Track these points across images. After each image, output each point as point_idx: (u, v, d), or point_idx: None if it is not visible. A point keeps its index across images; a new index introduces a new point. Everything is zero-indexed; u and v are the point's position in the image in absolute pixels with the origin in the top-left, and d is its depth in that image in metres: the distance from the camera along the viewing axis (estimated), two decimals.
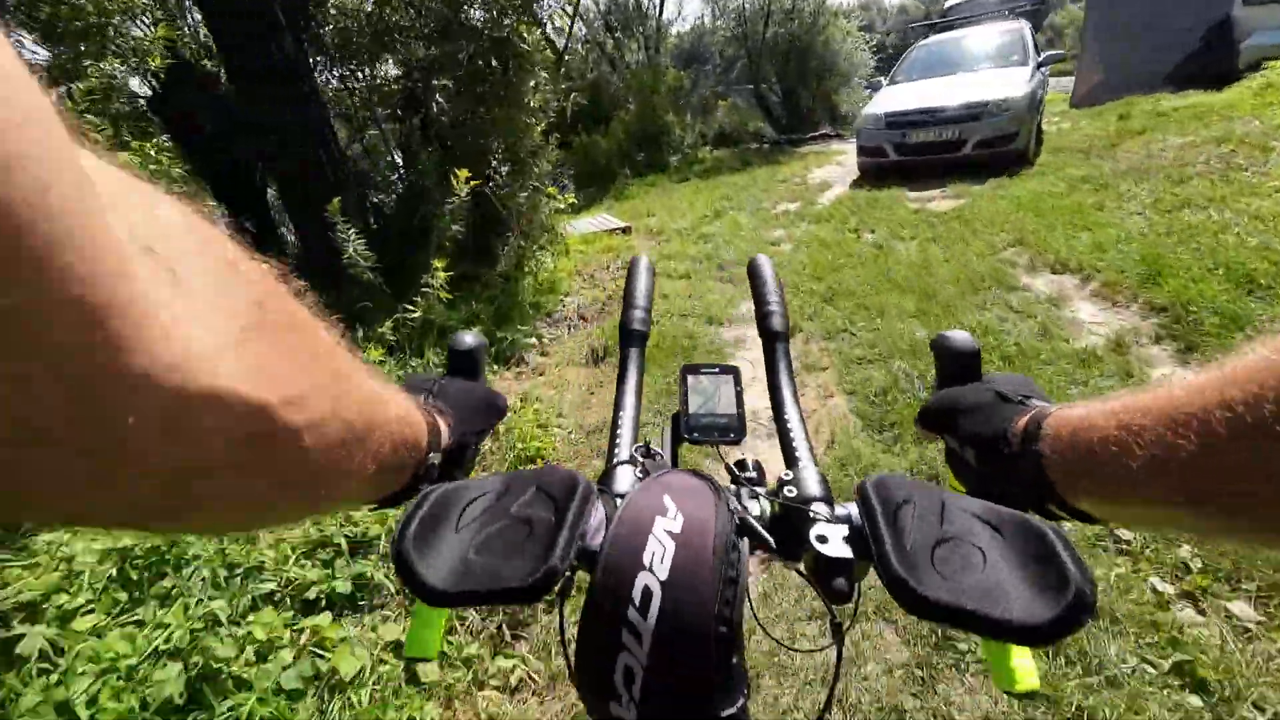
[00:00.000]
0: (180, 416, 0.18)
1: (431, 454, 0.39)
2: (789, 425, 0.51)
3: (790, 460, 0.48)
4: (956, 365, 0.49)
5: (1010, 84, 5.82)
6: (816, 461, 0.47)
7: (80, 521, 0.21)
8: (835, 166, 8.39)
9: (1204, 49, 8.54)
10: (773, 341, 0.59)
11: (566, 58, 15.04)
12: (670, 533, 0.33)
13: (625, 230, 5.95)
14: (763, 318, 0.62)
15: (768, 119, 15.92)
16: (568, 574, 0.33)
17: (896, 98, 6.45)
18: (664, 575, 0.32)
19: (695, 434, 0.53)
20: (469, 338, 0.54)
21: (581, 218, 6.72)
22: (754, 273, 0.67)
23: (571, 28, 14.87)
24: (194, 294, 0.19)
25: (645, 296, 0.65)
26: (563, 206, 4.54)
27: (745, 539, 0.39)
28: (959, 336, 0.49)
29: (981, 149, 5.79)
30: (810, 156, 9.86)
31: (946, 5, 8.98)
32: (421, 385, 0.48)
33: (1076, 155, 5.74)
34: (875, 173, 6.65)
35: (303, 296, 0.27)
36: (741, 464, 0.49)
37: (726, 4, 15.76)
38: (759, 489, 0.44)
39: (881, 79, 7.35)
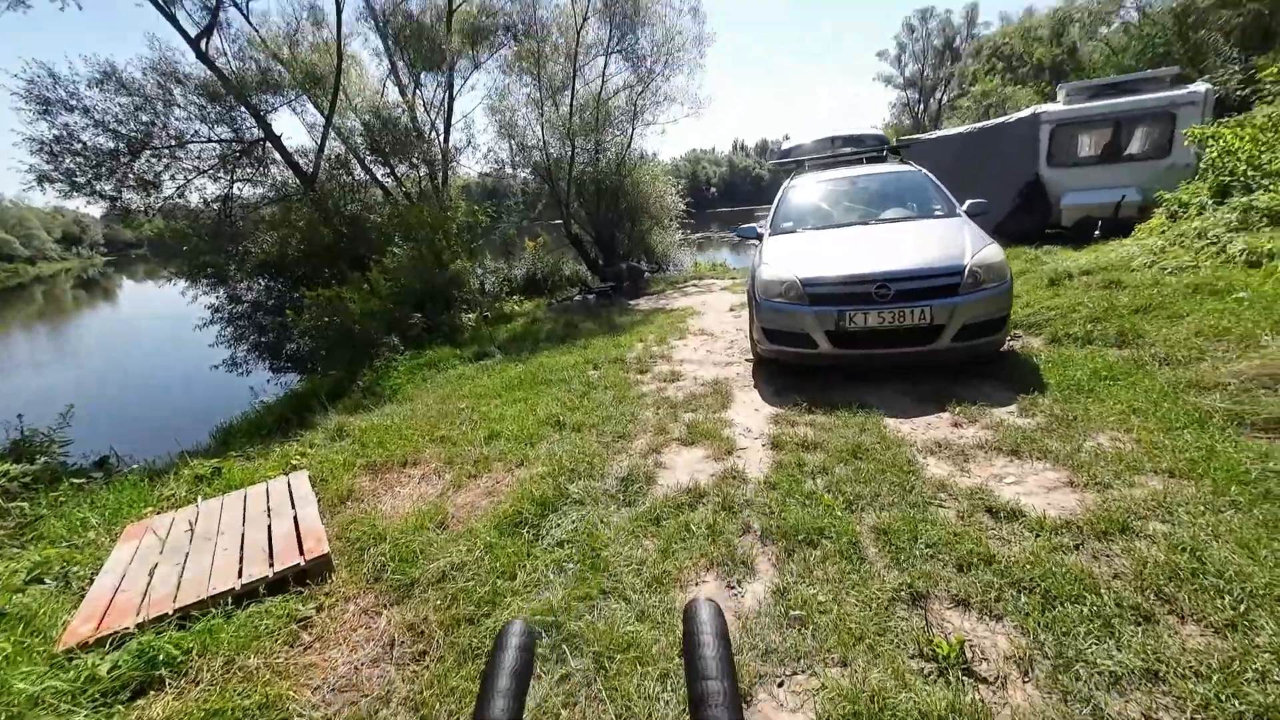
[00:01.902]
0: None
1: None
2: None
3: None
4: None
5: (971, 240, 3.89)
6: None
7: None
8: (702, 340, 5.91)
9: (1023, 206, 8.42)
10: None
11: (320, 181, 11.52)
12: None
13: (302, 576, 2.35)
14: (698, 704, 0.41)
15: (583, 260, 13.95)
16: None
17: (804, 256, 4.19)
18: None
19: None
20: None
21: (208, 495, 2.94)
22: (690, 624, 0.49)
23: (323, 143, 11.53)
24: None
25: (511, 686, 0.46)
26: None
27: None
28: None
29: (966, 340, 3.60)
30: (659, 317, 7.41)
31: (783, 148, 7.59)
32: None
33: (1083, 343, 3.88)
34: (796, 369, 4.14)
35: None
36: None
37: (525, 140, 14.01)
38: None
39: (758, 227, 5.20)
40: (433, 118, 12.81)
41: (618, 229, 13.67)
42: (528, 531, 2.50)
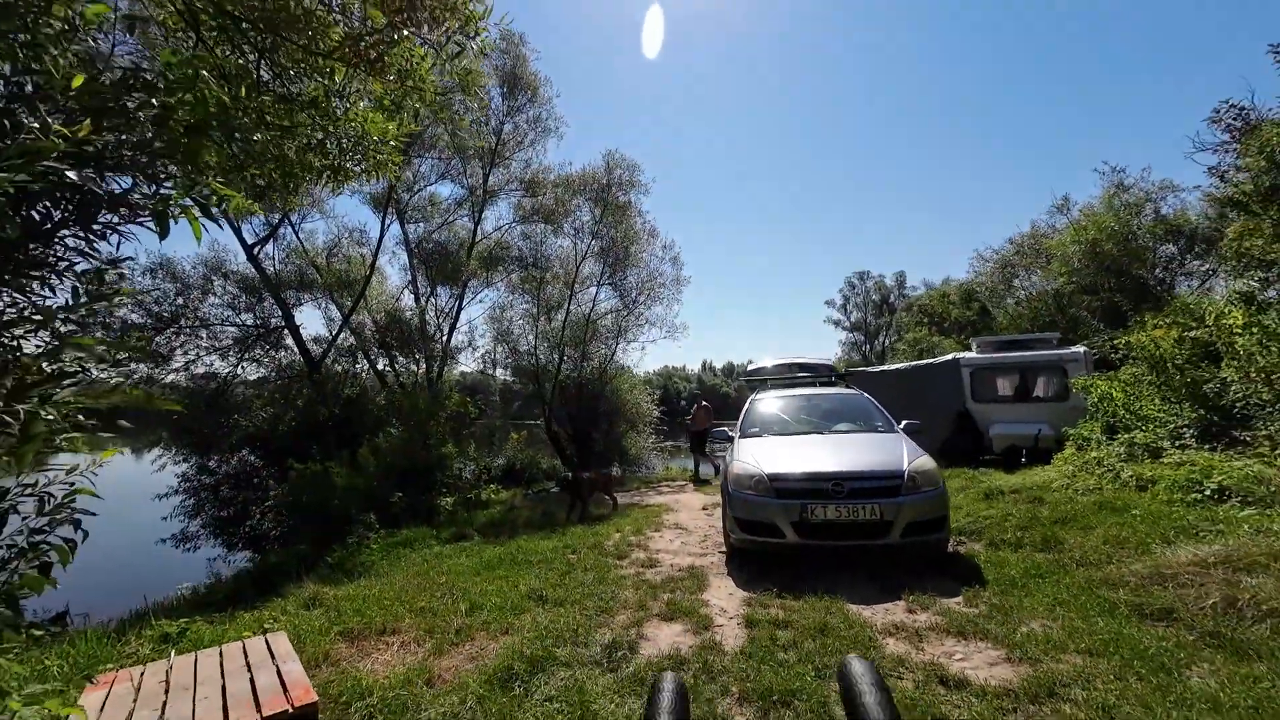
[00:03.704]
0: None
1: None
2: None
3: None
4: None
5: (908, 451, 4.64)
6: None
7: None
8: (677, 533, 6.20)
9: (959, 431, 9.57)
10: None
11: (326, 365, 12.40)
12: None
13: None
14: None
15: (560, 457, 14.45)
16: None
17: (770, 456, 4.85)
18: None
19: None
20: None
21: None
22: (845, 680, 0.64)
23: (337, 336, 12.70)
24: None
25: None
26: None
27: None
28: None
29: (913, 535, 4.10)
30: (634, 511, 7.71)
31: (750, 368, 8.86)
32: None
33: (1015, 548, 4.38)
34: (761, 555, 4.48)
35: None
36: None
37: (518, 345, 15.62)
38: None
39: (729, 431, 5.97)
40: (439, 321, 14.44)
41: (595, 429, 14.50)
42: (519, 687, 2.60)
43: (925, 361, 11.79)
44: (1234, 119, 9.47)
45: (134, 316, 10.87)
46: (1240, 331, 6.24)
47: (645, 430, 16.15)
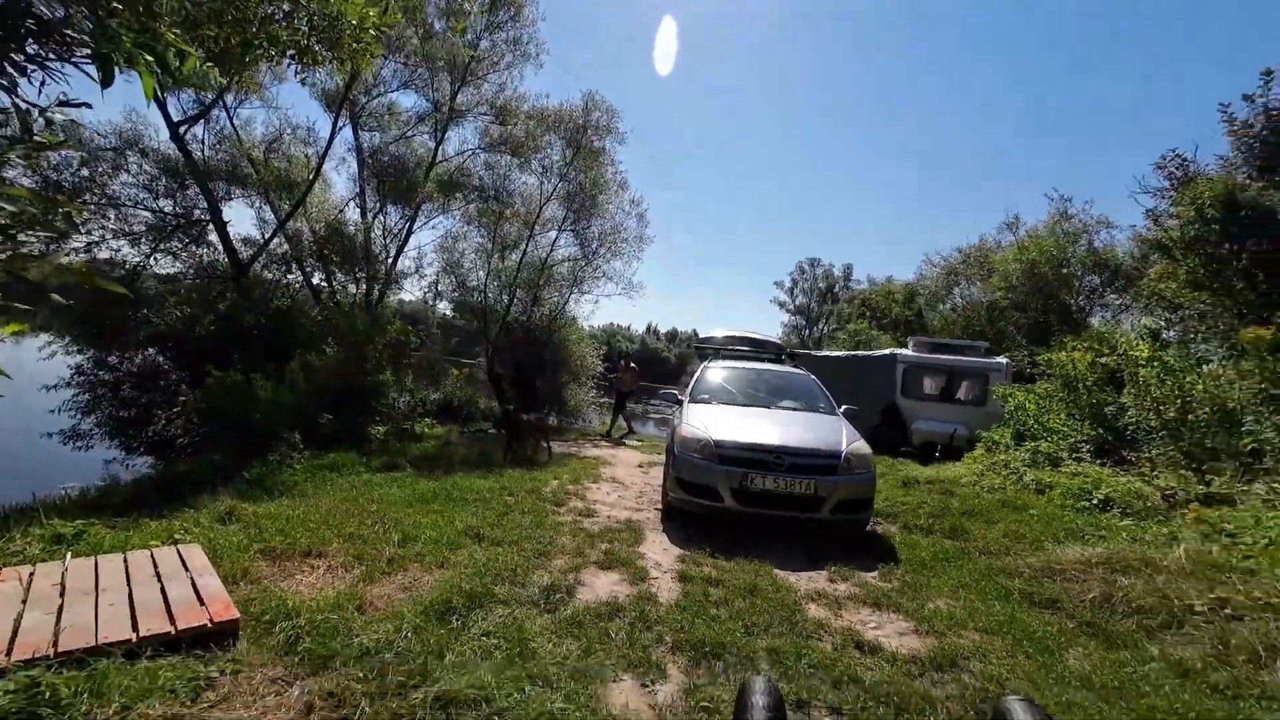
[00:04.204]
0: None
1: None
2: None
3: None
4: None
5: (847, 434, 4.86)
6: None
7: None
8: (614, 486, 6.29)
9: (884, 424, 10.15)
10: None
11: (255, 270, 11.42)
12: None
13: (204, 640, 2.25)
14: None
15: (499, 399, 14.23)
16: None
17: (717, 422, 4.95)
18: None
19: None
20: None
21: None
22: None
23: (270, 240, 11.70)
24: None
25: None
26: None
27: None
28: None
29: (841, 513, 4.35)
30: (571, 461, 7.74)
31: (702, 335, 8.95)
32: None
33: (926, 533, 4.74)
34: (697, 517, 4.62)
35: None
36: None
37: (467, 281, 15.02)
38: None
39: (679, 395, 6.05)
40: (386, 241, 13.59)
41: (538, 377, 14.33)
42: (456, 620, 2.59)
43: (865, 353, 12.35)
44: (1176, 168, 10.18)
45: (25, 180, 9.53)
46: (1144, 363, 6.88)
47: (587, 384, 16.12)
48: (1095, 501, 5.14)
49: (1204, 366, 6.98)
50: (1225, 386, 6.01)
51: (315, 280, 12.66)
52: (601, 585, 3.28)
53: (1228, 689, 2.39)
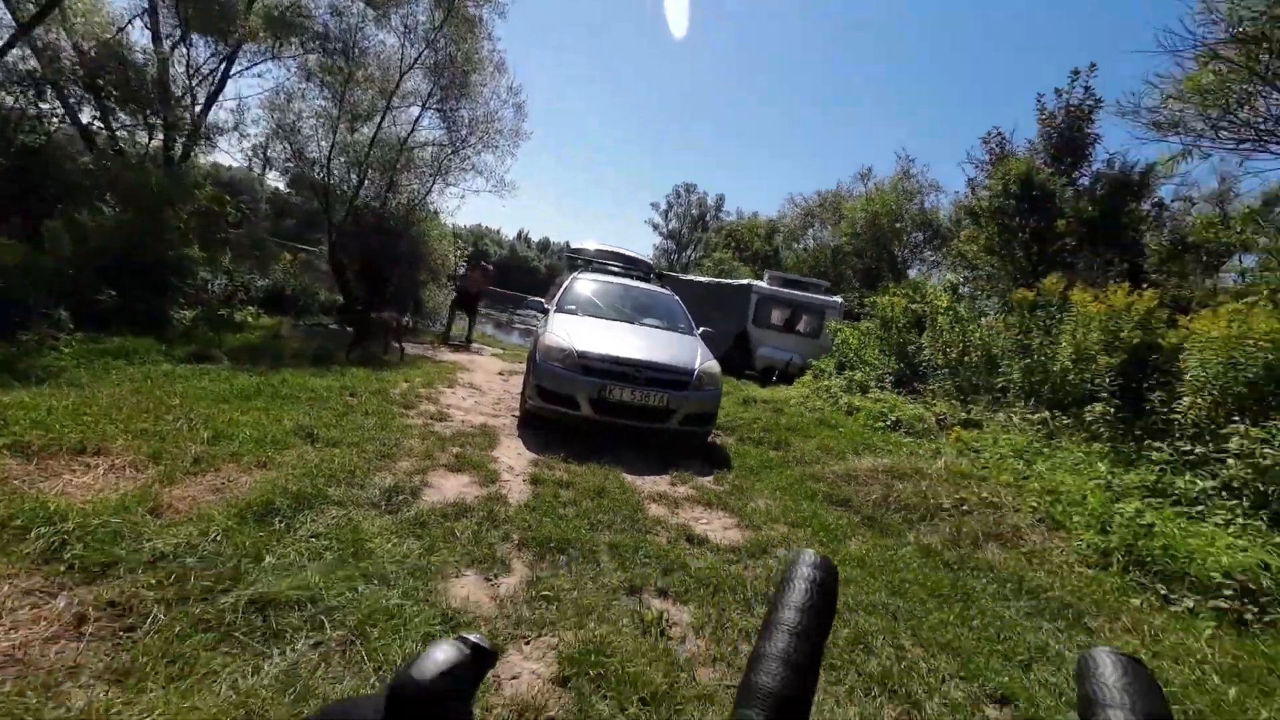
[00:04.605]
0: None
1: None
2: None
3: None
4: None
5: (701, 354, 5.16)
6: None
7: None
8: (470, 392, 6.11)
9: (735, 348, 10.99)
10: None
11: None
12: None
13: None
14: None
15: (343, 292, 12.79)
16: None
17: (582, 333, 4.94)
18: None
19: None
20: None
21: None
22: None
23: (7, 49, 8.71)
24: None
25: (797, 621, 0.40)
26: None
27: None
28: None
29: (688, 425, 4.69)
30: (425, 364, 7.31)
31: (573, 246, 8.74)
32: None
33: (757, 444, 5.32)
34: (554, 424, 4.69)
35: None
36: None
37: (305, 150, 12.79)
38: None
39: (545, 303, 5.89)
40: (193, 83, 10.90)
41: (392, 272, 13.04)
42: (280, 522, 2.38)
43: (726, 281, 13.04)
44: (996, 144, 11.69)
45: None
46: (941, 312, 8.15)
47: (447, 285, 15.08)
48: (889, 423, 6.17)
49: (983, 319, 8.47)
50: (994, 336, 7.39)
51: (88, 119, 9.83)
52: (450, 487, 3.23)
53: (955, 564, 3.10)
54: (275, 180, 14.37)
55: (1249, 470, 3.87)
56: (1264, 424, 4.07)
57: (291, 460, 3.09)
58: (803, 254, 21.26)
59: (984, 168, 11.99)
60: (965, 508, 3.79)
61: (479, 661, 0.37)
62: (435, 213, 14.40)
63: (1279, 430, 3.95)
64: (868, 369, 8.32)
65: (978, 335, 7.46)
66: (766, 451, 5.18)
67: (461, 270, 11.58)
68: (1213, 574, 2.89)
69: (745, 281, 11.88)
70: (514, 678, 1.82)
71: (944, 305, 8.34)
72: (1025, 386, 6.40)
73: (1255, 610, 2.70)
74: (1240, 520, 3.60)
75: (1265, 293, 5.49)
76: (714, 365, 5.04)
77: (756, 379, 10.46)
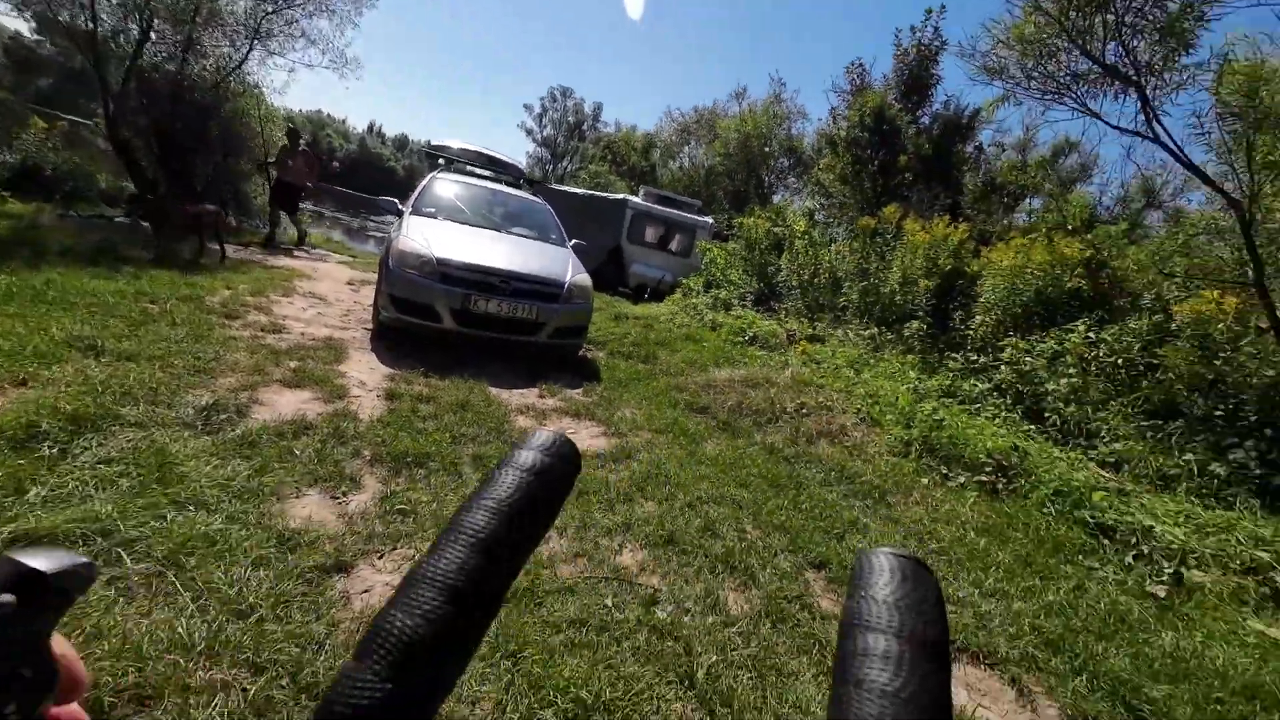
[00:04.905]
0: None
1: None
2: None
3: None
4: None
5: (573, 266, 5.01)
6: None
7: None
8: (312, 302, 5.41)
9: (609, 262, 10.92)
10: None
11: None
12: None
13: None
14: None
15: (132, 177, 10.35)
16: None
17: (442, 239, 4.51)
18: None
19: None
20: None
21: None
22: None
23: None
24: None
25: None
26: None
27: None
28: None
29: (558, 338, 4.61)
30: (255, 270, 6.27)
31: (435, 143, 7.84)
32: None
33: (626, 358, 5.42)
34: (411, 337, 4.36)
35: None
36: None
37: None
38: None
39: (399, 204, 5.23)
40: None
41: (200, 156, 10.75)
42: (50, 448, 1.96)
43: (602, 194, 12.67)
44: (858, 75, 12.26)
45: None
46: (799, 236, 8.73)
47: (255, 174, 12.79)
48: (747, 338, 6.63)
49: (832, 244, 9.24)
50: (839, 260, 8.12)
51: None
52: (286, 403, 2.89)
53: (792, 458, 3.51)
54: (17, 22, 10.72)
55: (1014, 375, 4.79)
56: (1028, 338, 5.02)
57: (67, 376, 2.53)
58: (678, 173, 21.25)
59: (845, 97, 12.64)
60: (804, 411, 4.27)
61: (41, 592, 0.25)
62: (256, 87, 11.92)
63: (1038, 342, 4.90)
64: (732, 288, 8.78)
65: (827, 259, 8.15)
66: (635, 365, 5.33)
67: (273, 157, 9.57)
68: (979, 456, 3.61)
69: (621, 196, 11.63)
70: (365, 591, 1.75)
71: (801, 230, 8.92)
72: (861, 306, 7.21)
73: (1004, 481, 3.45)
74: (1004, 414, 4.49)
75: (1043, 230, 6.60)
76: (586, 278, 4.95)
77: (630, 296, 10.57)
